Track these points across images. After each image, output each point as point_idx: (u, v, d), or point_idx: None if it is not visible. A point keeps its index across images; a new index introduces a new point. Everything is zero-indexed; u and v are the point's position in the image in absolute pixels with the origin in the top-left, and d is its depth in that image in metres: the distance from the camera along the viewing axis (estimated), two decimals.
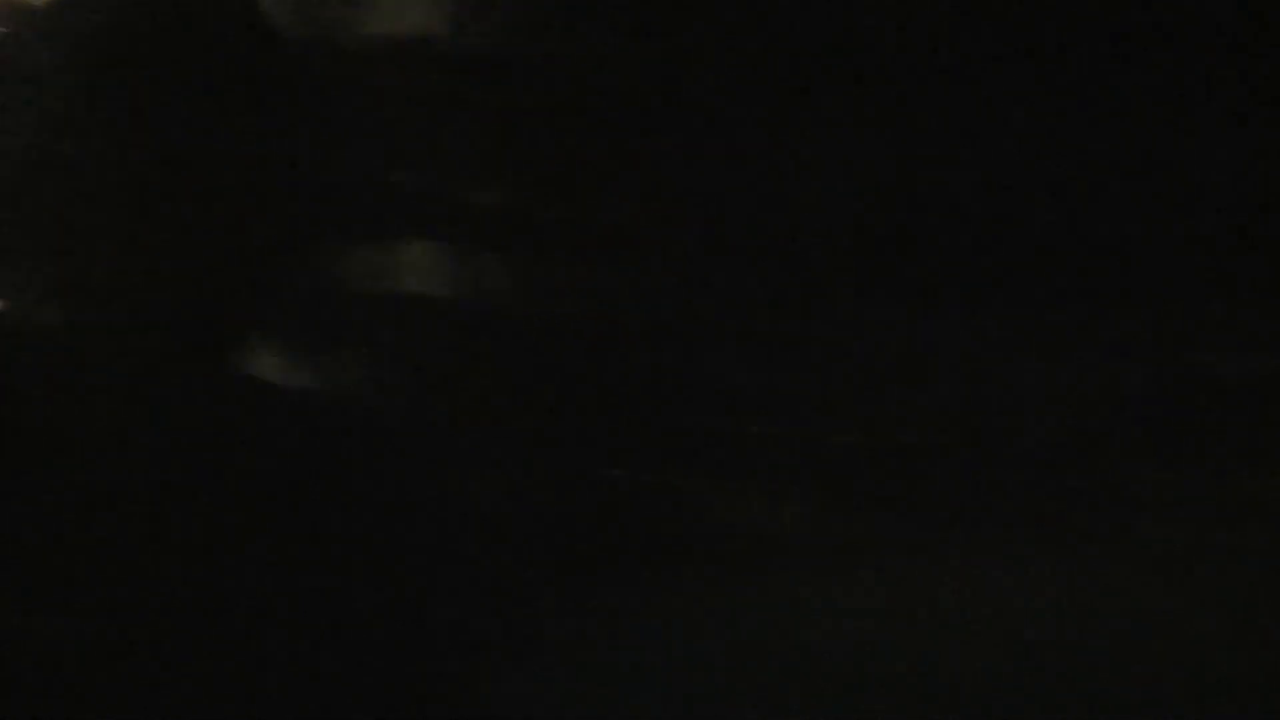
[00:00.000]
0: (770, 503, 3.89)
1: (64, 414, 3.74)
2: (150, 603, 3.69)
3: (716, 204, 3.94)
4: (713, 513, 3.91)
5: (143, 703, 3.61)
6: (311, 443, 3.83)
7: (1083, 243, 3.90)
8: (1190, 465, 3.92)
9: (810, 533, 3.90)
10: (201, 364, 3.86)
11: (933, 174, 3.89)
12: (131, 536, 3.72)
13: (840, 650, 3.80)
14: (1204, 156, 3.88)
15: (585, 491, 3.86)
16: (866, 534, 3.89)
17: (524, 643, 3.82)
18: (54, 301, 3.79)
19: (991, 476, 3.90)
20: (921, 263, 3.85)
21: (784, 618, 3.85)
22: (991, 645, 3.83)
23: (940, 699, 3.74)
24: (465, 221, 3.89)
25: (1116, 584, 3.95)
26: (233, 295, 3.95)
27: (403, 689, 3.70)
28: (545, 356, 3.90)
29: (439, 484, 3.84)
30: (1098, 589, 3.95)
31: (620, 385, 3.91)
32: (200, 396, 3.81)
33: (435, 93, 3.90)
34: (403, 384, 3.94)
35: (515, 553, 3.84)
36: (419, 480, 3.84)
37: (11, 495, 3.70)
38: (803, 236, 3.88)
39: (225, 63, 3.85)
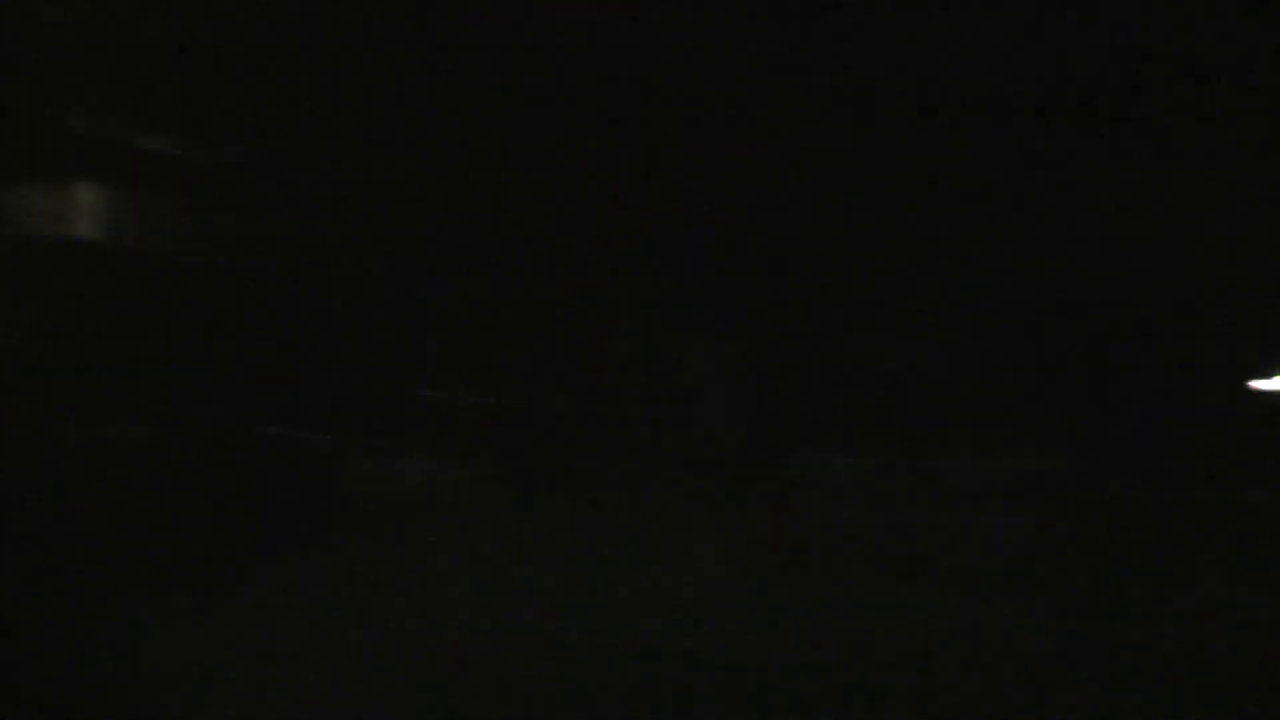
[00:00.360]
0: (412, 465, 3.91)
1: None
2: None
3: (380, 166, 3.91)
4: (359, 473, 3.92)
5: None
6: None
7: (722, 218, 3.92)
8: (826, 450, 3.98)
9: (457, 496, 3.92)
10: None
11: (568, 133, 3.88)
12: None
13: (465, 612, 3.83)
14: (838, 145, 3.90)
15: (236, 449, 3.85)
16: (512, 499, 3.92)
17: (163, 598, 3.79)
18: None
19: (626, 448, 3.94)
20: (557, 230, 3.85)
21: (414, 580, 3.86)
22: (598, 615, 3.86)
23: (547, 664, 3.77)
24: (135, 166, 3.84)
25: (730, 561, 4.00)
26: None
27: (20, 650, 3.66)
28: (206, 308, 3.86)
29: (88, 437, 3.80)
30: (720, 568, 3.99)
31: (275, 341, 3.89)
32: None
33: (104, 31, 3.85)
34: (60, 330, 3.87)
35: (164, 508, 3.81)
36: (70, 431, 3.80)
37: None
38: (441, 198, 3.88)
39: None
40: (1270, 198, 3.69)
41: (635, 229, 3.68)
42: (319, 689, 3.61)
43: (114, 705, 3.59)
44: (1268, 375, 3.63)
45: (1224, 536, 3.75)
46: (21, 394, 3.69)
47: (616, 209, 3.64)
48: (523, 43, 3.66)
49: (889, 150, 3.73)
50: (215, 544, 3.71)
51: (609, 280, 3.70)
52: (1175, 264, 3.67)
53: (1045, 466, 3.79)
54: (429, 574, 3.74)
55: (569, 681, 3.64)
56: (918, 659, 3.74)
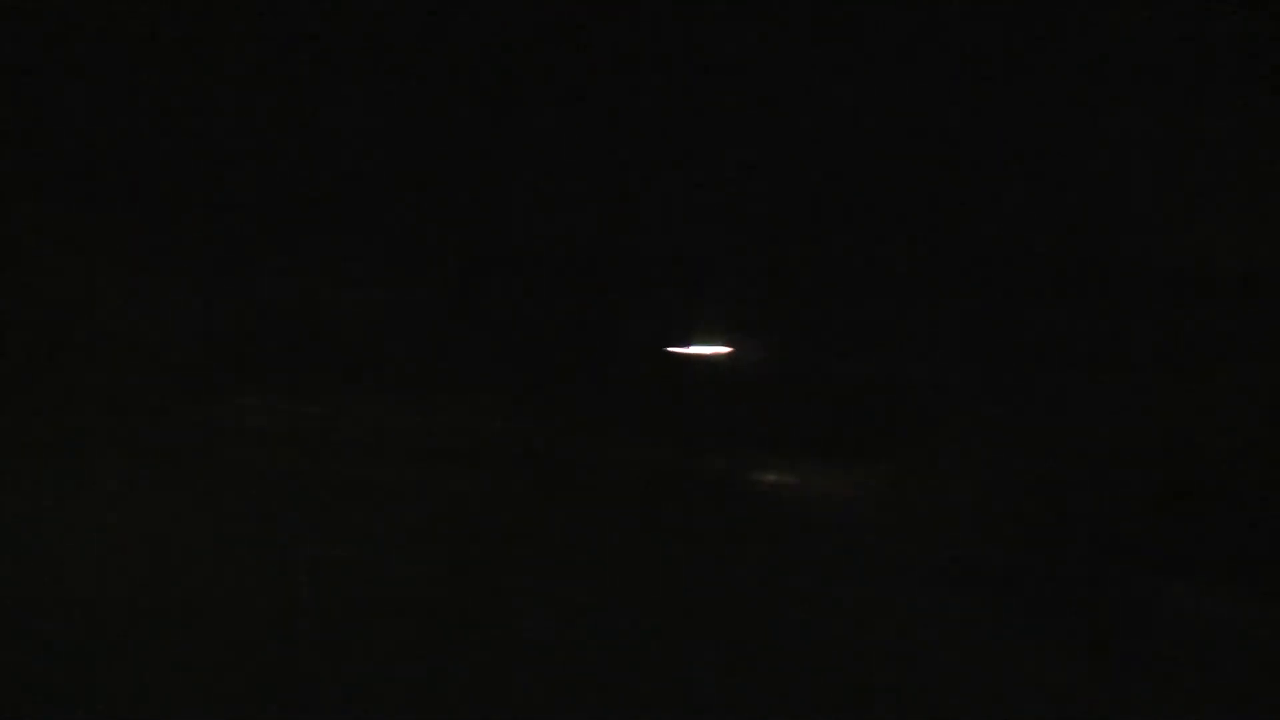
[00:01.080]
0: None
1: None
2: None
3: None
4: None
5: None
6: None
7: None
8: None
9: None
10: None
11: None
12: None
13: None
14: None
15: None
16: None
17: None
18: None
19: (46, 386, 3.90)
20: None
21: None
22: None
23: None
24: None
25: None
26: None
27: None
28: None
29: None
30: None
31: None
32: None
33: None
34: None
35: None
36: None
37: None
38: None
39: None
40: (691, 179, 3.86)
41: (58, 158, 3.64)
42: None
43: None
44: (684, 342, 3.81)
45: (647, 492, 3.91)
46: None
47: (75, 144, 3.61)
48: None
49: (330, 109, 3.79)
50: None
51: (39, 211, 3.65)
52: (603, 233, 3.80)
53: (477, 422, 3.88)
54: None
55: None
56: (350, 606, 3.81)
